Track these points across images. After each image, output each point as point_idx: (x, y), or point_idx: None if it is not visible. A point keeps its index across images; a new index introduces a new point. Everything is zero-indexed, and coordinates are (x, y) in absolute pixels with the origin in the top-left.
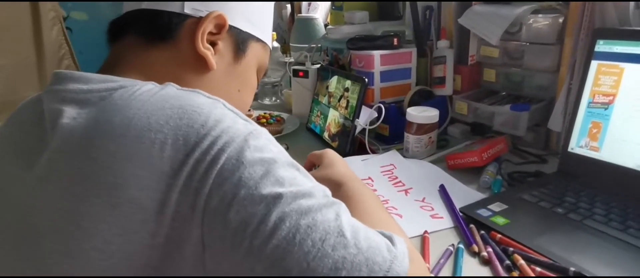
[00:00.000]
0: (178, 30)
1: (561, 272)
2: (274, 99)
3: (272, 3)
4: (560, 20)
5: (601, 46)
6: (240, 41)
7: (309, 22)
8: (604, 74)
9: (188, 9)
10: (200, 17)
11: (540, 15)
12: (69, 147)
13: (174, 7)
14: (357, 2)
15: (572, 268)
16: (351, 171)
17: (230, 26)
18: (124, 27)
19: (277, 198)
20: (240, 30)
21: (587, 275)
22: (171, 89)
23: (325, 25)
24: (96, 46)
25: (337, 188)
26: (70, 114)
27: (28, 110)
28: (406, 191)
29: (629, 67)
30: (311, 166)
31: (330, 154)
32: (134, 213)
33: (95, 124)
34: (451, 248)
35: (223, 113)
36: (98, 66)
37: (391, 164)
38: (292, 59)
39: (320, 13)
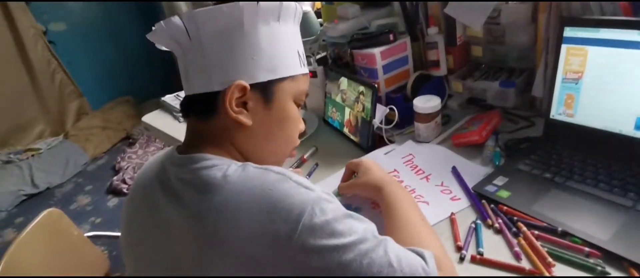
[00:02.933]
0: (217, 104)
1: (553, 233)
2: None
3: (286, 39)
4: (533, 4)
5: (568, 32)
6: (266, 90)
7: (303, 17)
8: (572, 56)
9: (216, 86)
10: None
11: (514, 1)
12: (192, 213)
13: (206, 87)
14: None
15: (560, 228)
16: (386, 174)
17: (252, 84)
18: (188, 108)
19: (343, 248)
20: (262, 82)
21: (570, 231)
22: (250, 170)
23: (317, 13)
24: (83, 54)
25: (378, 192)
26: (189, 195)
27: (151, 178)
28: (427, 178)
29: (591, 50)
30: (350, 174)
31: (366, 163)
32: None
33: (208, 204)
34: (472, 225)
35: (290, 187)
36: (89, 75)
37: (410, 154)
38: None
39: (307, 4)
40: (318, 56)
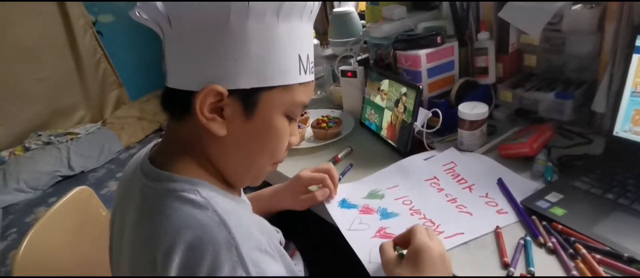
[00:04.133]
0: (190, 105)
1: (617, 258)
2: (319, 93)
3: (286, 40)
4: (600, 10)
5: None
6: (247, 99)
7: (345, 17)
8: None
9: (192, 85)
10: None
11: (579, 6)
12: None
13: (181, 84)
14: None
15: (626, 254)
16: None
17: (232, 90)
18: (165, 101)
19: None
20: (245, 89)
21: (638, 259)
22: (205, 215)
23: (360, 15)
24: (127, 46)
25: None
26: (143, 215)
27: (129, 191)
28: (470, 188)
29: None
30: (400, 240)
31: (427, 256)
32: None
33: (152, 230)
34: (521, 241)
35: (228, 261)
36: (130, 67)
37: (452, 162)
38: (330, 51)
39: (351, 4)
40: (359, 58)
